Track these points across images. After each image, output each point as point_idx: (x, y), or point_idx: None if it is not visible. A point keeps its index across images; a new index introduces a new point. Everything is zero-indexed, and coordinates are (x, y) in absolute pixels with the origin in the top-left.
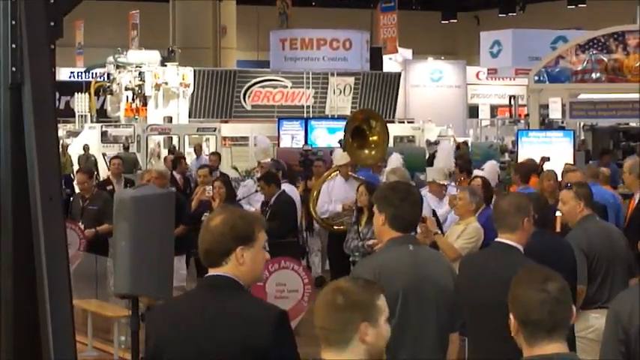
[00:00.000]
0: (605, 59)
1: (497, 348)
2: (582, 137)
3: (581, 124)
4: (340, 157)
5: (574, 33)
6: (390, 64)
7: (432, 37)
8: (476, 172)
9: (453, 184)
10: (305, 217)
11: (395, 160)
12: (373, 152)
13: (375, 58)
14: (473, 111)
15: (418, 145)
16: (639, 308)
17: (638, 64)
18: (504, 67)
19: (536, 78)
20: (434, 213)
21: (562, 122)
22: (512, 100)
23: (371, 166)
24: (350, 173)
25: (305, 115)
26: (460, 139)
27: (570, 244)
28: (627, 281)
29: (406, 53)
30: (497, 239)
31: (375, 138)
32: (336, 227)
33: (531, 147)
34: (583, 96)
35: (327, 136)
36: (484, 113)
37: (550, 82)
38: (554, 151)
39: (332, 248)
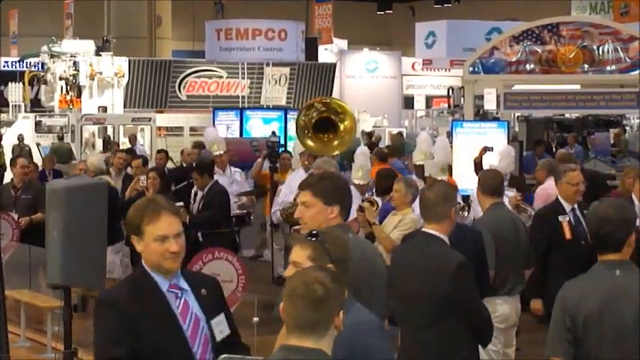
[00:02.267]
0: (540, 50)
1: (426, 337)
2: (517, 128)
3: (516, 115)
4: (297, 147)
5: (509, 24)
6: (326, 54)
7: (367, 28)
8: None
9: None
10: (270, 212)
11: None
12: (336, 142)
13: (311, 48)
14: (408, 102)
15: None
16: (587, 296)
17: (572, 56)
18: (439, 58)
19: (471, 69)
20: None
21: (497, 113)
22: (450, 91)
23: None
24: (307, 164)
25: (240, 105)
26: (395, 130)
27: (478, 231)
28: (524, 272)
29: (341, 44)
30: (423, 229)
31: (341, 127)
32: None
33: (466, 138)
34: (517, 87)
35: (262, 127)
36: (419, 104)
37: (485, 73)
38: (489, 142)
39: None
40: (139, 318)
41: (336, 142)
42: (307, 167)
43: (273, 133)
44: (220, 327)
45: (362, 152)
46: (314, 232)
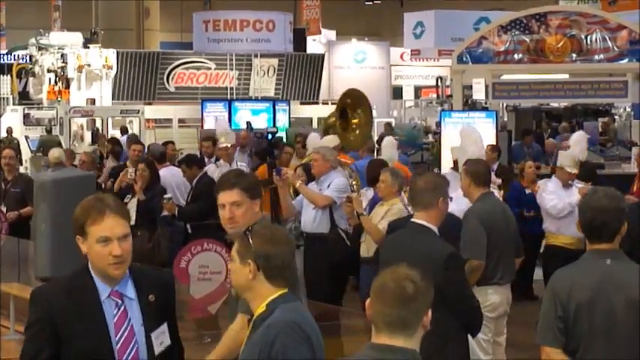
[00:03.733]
0: (527, 40)
1: None
2: (505, 118)
3: (504, 104)
4: (329, 140)
5: (497, 14)
6: (314, 45)
7: (355, 19)
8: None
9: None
10: (272, 208)
11: (389, 146)
12: (357, 133)
13: (299, 39)
14: (397, 92)
15: None
16: (578, 285)
17: (560, 45)
18: (427, 49)
19: (459, 59)
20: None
21: (485, 103)
22: (439, 81)
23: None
24: (339, 158)
25: (229, 96)
26: (384, 120)
27: (458, 219)
28: (514, 261)
29: (330, 34)
30: (412, 219)
31: (356, 120)
32: None
33: (455, 128)
34: (506, 77)
35: (250, 118)
36: (408, 94)
37: (473, 63)
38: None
39: None
40: (67, 322)
41: (351, 135)
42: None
43: (248, 124)
44: (161, 338)
45: (389, 144)
46: (249, 228)
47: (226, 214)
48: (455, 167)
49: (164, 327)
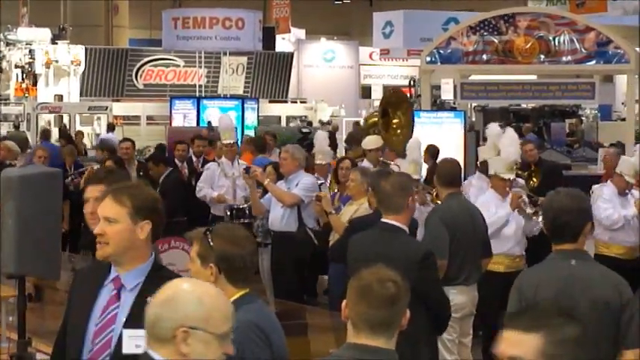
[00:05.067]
0: (496, 41)
1: None
2: (473, 118)
3: (472, 105)
4: (371, 141)
5: (465, 15)
6: (283, 43)
7: (324, 18)
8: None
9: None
10: None
11: (414, 146)
12: (398, 133)
13: (268, 37)
14: (365, 91)
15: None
16: (543, 285)
17: (528, 46)
18: (396, 48)
19: (428, 59)
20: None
21: (454, 103)
22: (412, 81)
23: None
24: (381, 159)
25: (197, 94)
26: (353, 119)
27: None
28: (480, 262)
29: (299, 33)
30: (383, 220)
31: (397, 121)
32: None
33: (423, 128)
34: (474, 77)
35: (219, 116)
36: (377, 94)
37: (442, 64)
38: (446, 132)
39: None
40: (75, 296)
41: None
42: (377, 162)
43: (209, 123)
44: (137, 341)
45: (415, 145)
46: (209, 228)
47: (89, 209)
48: (482, 169)
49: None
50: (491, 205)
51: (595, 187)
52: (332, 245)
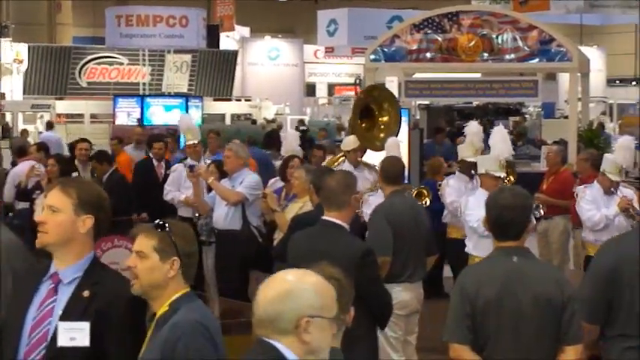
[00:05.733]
0: (440, 39)
1: None
2: (417, 116)
3: (417, 102)
4: (349, 142)
5: (410, 13)
6: (227, 41)
7: (269, 16)
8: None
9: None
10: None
11: (393, 145)
12: (382, 135)
13: (212, 35)
14: (310, 89)
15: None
16: (486, 282)
17: (471, 44)
18: (341, 46)
19: (372, 57)
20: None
21: (398, 101)
22: (357, 79)
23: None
24: (359, 159)
25: (141, 92)
26: (297, 118)
27: (356, 217)
28: (425, 259)
29: (243, 31)
30: (324, 217)
31: (385, 119)
32: None
33: None
34: (418, 75)
35: (163, 114)
36: (321, 92)
37: (386, 62)
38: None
39: None
40: (16, 290)
41: (377, 134)
42: (357, 163)
43: (139, 120)
44: (74, 334)
45: (394, 144)
46: (160, 222)
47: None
48: (462, 168)
49: (84, 325)
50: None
51: (579, 188)
52: (276, 244)
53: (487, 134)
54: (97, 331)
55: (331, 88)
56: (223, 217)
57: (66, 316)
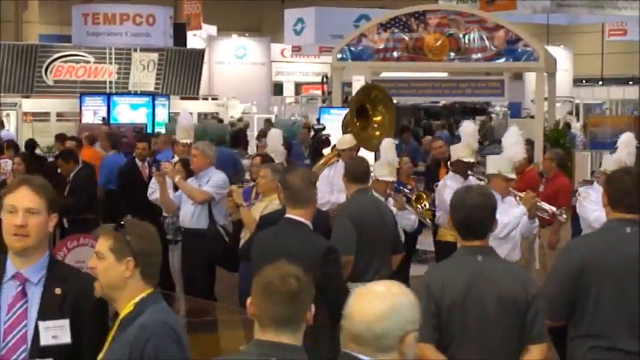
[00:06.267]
0: (407, 38)
1: None
2: None
3: None
4: (344, 141)
5: (377, 12)
6: (194, 40)
7: (236, 14)
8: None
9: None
10: None
11: (389, 146)
12: (378, 133)
13: (179, 34)
14: (277, 88)
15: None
16: (451, 282)
17: (438, 44)
18: (308, 45)
19: (340, 56)
20: None
21: None
22: (324, 78)
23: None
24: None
25: (108, 90)
26: (264, 116)
27: (325, 212)
28: (389, 258)
29: (210, 29)
30: (287, 215)
31: (379, 118)
32: None
33: (333, 124)
34: (385, 74)
35: (129, 113)
36: (288, 91)
37: (353, 60)
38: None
39: None
40: None
41: (373, 133)
42: None
43: (103, 119)
44: (55, 332)
45: (389, 145)
46: (122, 221)
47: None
48: (456, 169)
49: (64, 322)
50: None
51: (580, 189)
52: (242, 244)
53: (452, 134)
54: (74, 327)
55: (298, 86)
56: (190, 215)
57: (44, 315)
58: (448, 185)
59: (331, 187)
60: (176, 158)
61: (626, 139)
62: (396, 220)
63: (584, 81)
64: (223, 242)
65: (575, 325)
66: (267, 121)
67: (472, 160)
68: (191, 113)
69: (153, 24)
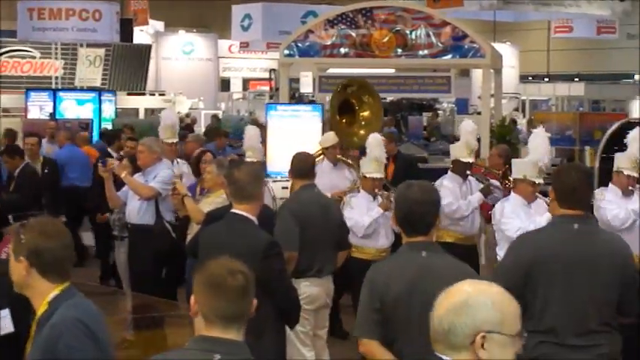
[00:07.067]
0: (354, 34)
1: None
2: None
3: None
4: (327, 138)
5: (325, 8)
6: (141, 35)
7: (183, 10)
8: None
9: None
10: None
11: (375, 142)
12: (363, 131)
13: (126, 29)
14: (225, 84)
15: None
16: (395, 277)
17: (385, 40)
18: (256, 41)
19: (287, 52)
20: None
21: (312, 96)
22: (271, 73)
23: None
24: (339, 157)
25: (54, 86)
26: (211, 112)
27: (271, 210)
28: (335, 255)
29: (157, 25)
30: (232, 210)
31: (366, 114)
32: None
33: (280, 121)
34: (332, 70)
35: (75, 108)
36: (236, 86)
37: (300, 57)
38: (304, 125)
39: None
40: None
41: (357, 130)
42: (336, 160)
43: (51, 114)
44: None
45: (376, 141)
46: (23, 222)
47: None
48: (455, 169)
49: (5, 312)
50: (520, 213)
51: (596, 191)
52: (189, 239)
53: (400, 130)
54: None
55: (246, 82)
56: (136, 211)
57: None
58: (445, 186)
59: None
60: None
61: (637, 134)
62: (342, 216)
63: (530, 77)
64: (170, 238)
65: (523, 320)
66: (215, 117)
67: (471, 160)
68: (138, 109)
69: (99, 19)
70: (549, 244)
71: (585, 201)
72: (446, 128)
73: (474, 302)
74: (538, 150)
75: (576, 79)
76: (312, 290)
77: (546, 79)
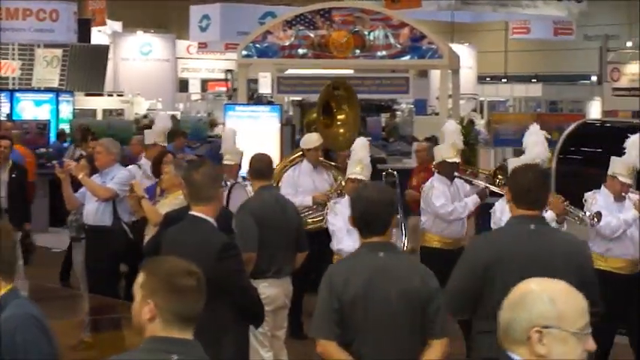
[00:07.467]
0: (312, 35)
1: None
2: (291, 112)
3: (289, 98)
4: (310, 140)
5: (283, 9)
6: (99, 36)
7: (141, 10)
8: None
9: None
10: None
11: (361, 145)
12: (342, 130)
13: (84, 30)
14: (183, 85)
15: (127, 119)
16: (353, 278)
17: (343, 41)
18: (214, 42)
19: (245, 53)
20: None
21: (271, 97)
22: (228, 74)
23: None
24: (320, 159)
25: (11, 86)
26: (169, 113)
27: (229, 211)
28: (294, 256)
29: (115, 26)
30: (191, 212)
31: (342, 116)
32: (312, 224)
33: (239, 121)
34: (291, 71)
35: (33, 109)
36: (194, 87)
37: (258, 57)
38: (262, 126)
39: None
40: None
41: (337, 131)
42: (317, 162)
43: (8, 116)
44: None
45: (362, 144)
46: None
47: None
48: (441, 170)
49: None
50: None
51: (588, 194)
52: (147, 241)
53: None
54: None
55: (204, 83)
56: (94, 212)
57: None
58: (436, 187)
59: (295, 189)
60: (144, 160)
61: (636, 140)
62: (301, 218)
63: (488, 78)
64: (127, 239)
65: (480, 319)
66: (173, 117)
67: (457, 161)
68: (95, 110)
69: (56, 20)
70: (505, 245)
71: (542, 201)
72: (404, 129)
73: (531, 297)
74: (534, 148)
75: (534, 80)
76: (270, 291)
77: (504, 80)
